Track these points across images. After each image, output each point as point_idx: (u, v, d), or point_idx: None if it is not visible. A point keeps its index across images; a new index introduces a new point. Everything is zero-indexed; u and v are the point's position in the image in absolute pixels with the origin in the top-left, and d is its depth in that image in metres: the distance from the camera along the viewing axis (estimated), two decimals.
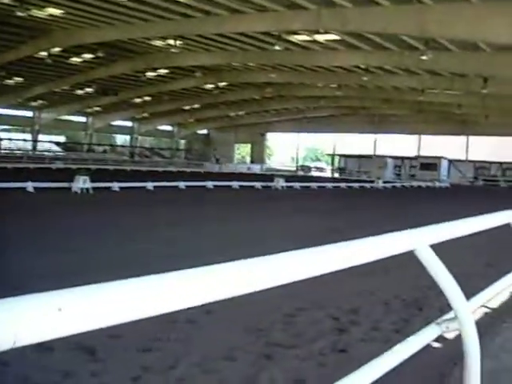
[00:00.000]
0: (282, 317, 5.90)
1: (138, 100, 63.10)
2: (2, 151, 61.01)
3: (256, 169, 67.06)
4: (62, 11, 31.68)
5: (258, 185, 31.20)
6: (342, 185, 38.02)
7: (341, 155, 74.83)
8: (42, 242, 10.14)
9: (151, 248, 10.10)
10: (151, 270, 2.20)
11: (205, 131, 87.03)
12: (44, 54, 39.72)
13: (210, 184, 28.50)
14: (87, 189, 21.62)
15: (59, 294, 1.76)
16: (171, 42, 36.20)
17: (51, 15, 32.53)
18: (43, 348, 4.13)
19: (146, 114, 72.02)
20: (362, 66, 40.95)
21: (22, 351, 2.10)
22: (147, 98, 62.63)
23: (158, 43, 38.44)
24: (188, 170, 52.34)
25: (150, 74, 48.91)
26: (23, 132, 73.40)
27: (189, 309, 2.08)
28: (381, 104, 58.09)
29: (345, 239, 3.09)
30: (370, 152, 70.40)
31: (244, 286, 2.32)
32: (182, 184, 27.09)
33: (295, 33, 32.45)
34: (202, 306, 2.13)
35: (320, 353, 4.91)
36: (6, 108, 62.58)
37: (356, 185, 39.00)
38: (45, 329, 1.82)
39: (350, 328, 5.70)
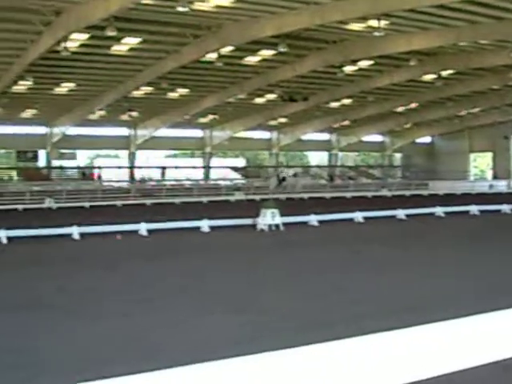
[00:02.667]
0: None
1: (334, 104, 63.91)
2: (168, 182, 64.47)
3: (501, 186, 64.85)
4: (231, 0, 33.08)
5: (505, 208, 30.17)
6: None
7: None
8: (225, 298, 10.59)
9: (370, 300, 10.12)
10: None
11: (427, 139, 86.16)
12: (213, 55, 41.67)
13: (438, 210, 28.06)
14: (277, 225, 22.12)
15: None
16: (373, 23, 36.32)
17: (218, 7, 34.09)
18: None
19: (346, 122, 72.70)
20: None
21: None
22: (347, 101, 63.20)
23: (357, 26, 38.64)
24: (407, 192, 51.96)
25: (348, 68, 49.34)
26: (192, 157, 77.25)
27: None
28: None
29: None
30: None
31: None
32: (400, 213, 26.94)
33: None
34: None
35: None
36: (171, 128, 66.53)
37: None
38: None
39: None
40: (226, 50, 41.13)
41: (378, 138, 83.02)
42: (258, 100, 60.22)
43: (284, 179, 49.89)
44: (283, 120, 69.55)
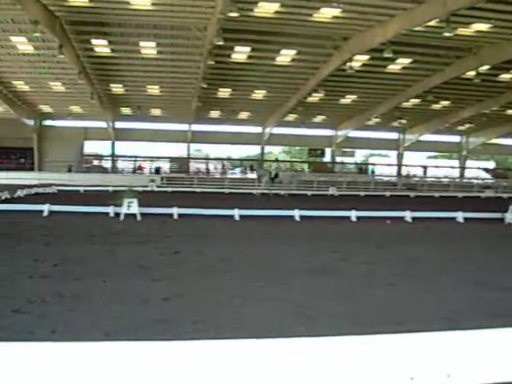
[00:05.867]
0: None
1: None
2: (429, 179, 63.31)
3: None
4: (489, 25, 31.73)
5: None
6: None
7: None
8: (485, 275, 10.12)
9: None
10: None
11: None
12: (471, 73, 40.28)
13: None
14: None
15: None
16: None
17: (478, 31, 32.83)
18: None
19: None
20: None
21: None
22: None
23: None
24: None
25: None
26: (449, 158, 75.26)
27: None
28: None
29: None
30: None
31: None
32: None
33: None
34: None
35: None
36: (433, 134, 65.04)
37: None
38: None
39: None
40: (483, 68, 39.59)
41: None
42: (510, 111, 57.17)
43: (277, 175, 46.52)
44: None
